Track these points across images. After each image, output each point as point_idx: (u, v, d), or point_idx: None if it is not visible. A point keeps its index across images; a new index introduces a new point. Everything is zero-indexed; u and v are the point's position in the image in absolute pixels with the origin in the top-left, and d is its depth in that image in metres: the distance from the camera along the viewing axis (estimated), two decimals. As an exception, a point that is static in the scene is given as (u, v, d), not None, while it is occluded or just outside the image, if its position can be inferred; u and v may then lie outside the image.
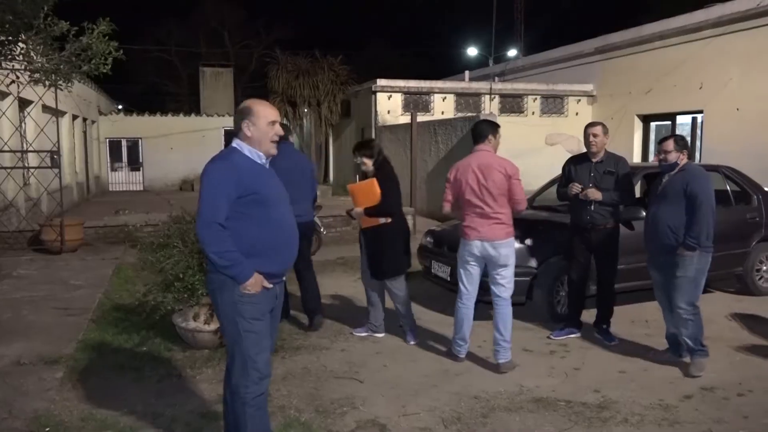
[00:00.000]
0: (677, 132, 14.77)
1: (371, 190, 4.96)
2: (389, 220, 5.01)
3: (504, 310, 4.62)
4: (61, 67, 7.36)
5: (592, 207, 5.03)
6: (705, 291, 6.72)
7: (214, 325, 4.69)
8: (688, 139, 14.10)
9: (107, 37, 7.34)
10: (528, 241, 5.63)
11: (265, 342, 2.95)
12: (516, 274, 5.43)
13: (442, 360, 4.76)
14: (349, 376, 4.42)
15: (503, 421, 3.70)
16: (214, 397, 3.92)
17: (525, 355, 4.88)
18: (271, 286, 2.92)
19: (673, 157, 4.53)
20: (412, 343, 5.16)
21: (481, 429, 3.61)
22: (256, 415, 2.93)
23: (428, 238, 6.66)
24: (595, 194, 4.96)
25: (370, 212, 5.01)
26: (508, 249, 4.58)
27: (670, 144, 4.54)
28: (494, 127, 4.72)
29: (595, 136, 5.03)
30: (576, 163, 5.23)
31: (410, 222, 11.07)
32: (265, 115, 2.90)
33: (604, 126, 5.13)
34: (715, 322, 5.71)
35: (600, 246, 5.10)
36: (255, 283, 2.83)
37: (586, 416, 3.77)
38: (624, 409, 3.87)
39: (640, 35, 15.13)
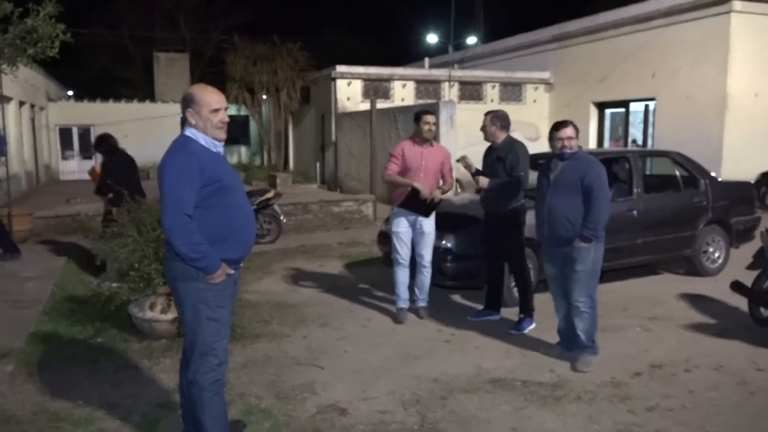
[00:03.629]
0: (630, 119, 15.17)
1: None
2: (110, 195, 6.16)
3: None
4: (5, 50, 7.08)
5: (482, 194, 5.21)
6: (655, 273, 7.04)
7: (171, 315, 4.61)
8: (641, 125, 14.65)
9: (54, 20, 7.08)
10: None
11: (224, 329, 2.96)
12: (472, 258, 5.61)
13: (404, 344, 4.81)
14: (310, 363, 4.43)
15: (461, 402, 3.77)
16: (172, 387, 3.88)
17: (484, 338, 4.97)
18: (233, 272, 2.93)
19: (575, 143, 4.24)
20: None
21: (440, 410, 3.67)
22: (213, 401, 2.93)
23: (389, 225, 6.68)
24: (481, 182, 5.09)
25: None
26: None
27: (570, 130, 4.23)
28: (416, 116, 5.29)
29: (483, 128, 5.20)
30: (486, 152, 5.35)
31: (370, 208, 11.09)
32: (207, 102, 2.85)
33: (494, 116, 5.16)
34: (664, 303, 5.92)
35: (500, 231, 5.15)
36: (222, 273, 2.84)
37: (541, 395, 3.88)
38: (577, 387, 3.99)
39: (595, 24, 15.42)
